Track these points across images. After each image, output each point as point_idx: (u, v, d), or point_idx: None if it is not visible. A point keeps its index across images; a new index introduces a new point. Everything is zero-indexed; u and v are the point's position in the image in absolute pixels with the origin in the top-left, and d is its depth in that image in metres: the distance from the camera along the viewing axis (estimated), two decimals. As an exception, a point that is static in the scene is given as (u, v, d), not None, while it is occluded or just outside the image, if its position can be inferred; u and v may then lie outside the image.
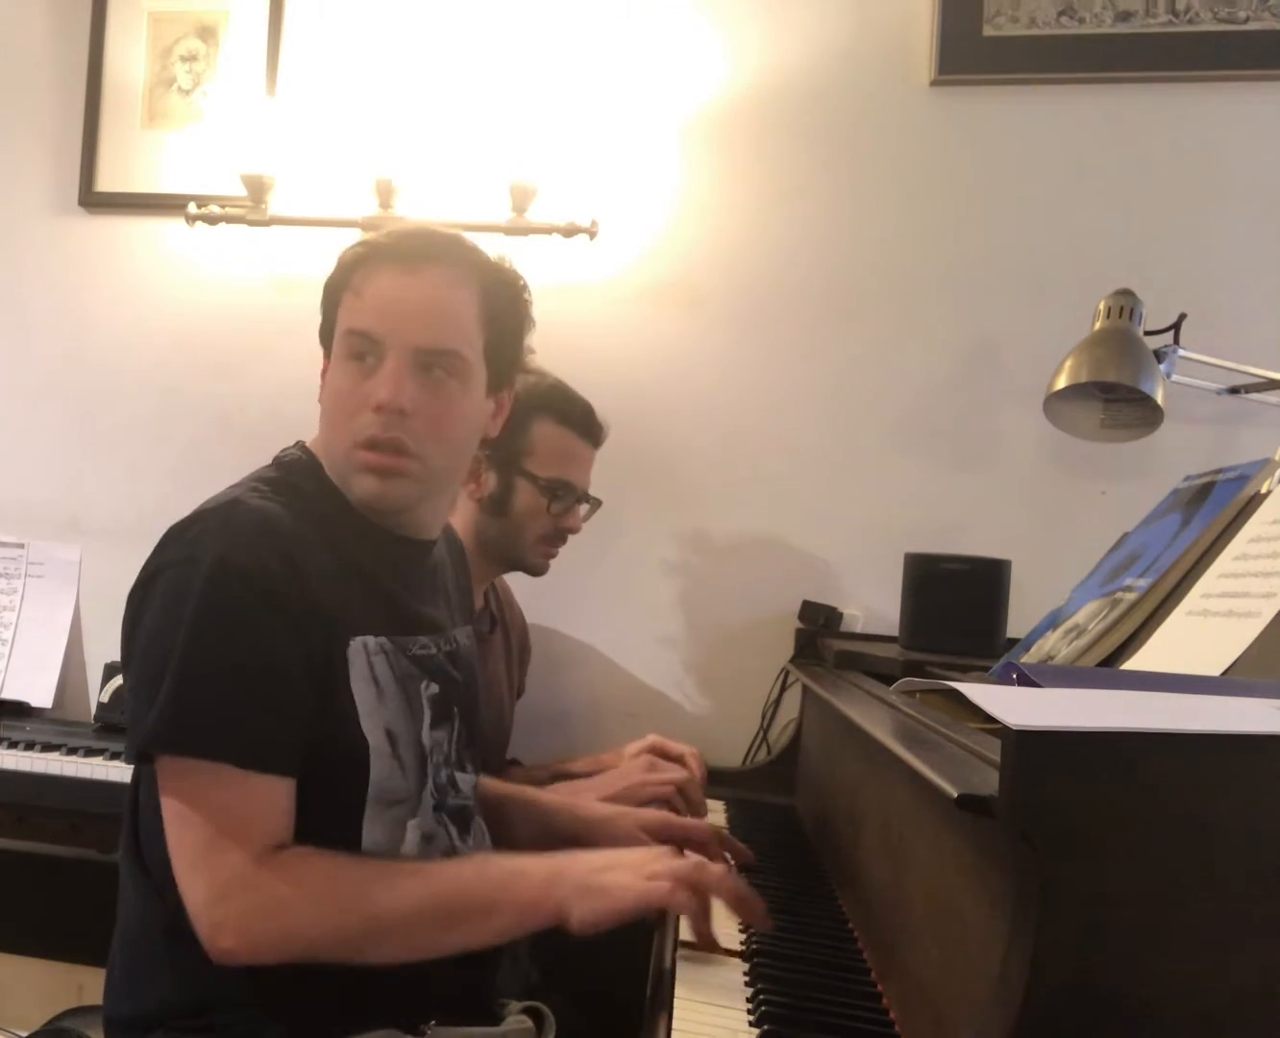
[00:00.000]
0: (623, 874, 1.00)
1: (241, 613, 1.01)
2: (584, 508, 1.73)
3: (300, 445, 1.20)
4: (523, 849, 1.07)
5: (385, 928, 0.99)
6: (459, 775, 1.18)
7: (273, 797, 1.01)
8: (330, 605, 1.05)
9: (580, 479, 1.69)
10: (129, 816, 1.12)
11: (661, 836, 1.32)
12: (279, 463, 1.18)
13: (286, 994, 1.01)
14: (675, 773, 1.56)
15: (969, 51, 2.02)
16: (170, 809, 1.01)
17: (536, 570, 1.71)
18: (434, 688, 1.15)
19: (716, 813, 1.70)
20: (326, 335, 1.17)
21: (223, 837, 0.98)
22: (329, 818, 1.04)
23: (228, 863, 0.97)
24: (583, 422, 1.68)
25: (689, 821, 1.38)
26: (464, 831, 1.18)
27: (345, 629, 1.06)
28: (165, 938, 1.05)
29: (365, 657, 1.07)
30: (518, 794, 1.37)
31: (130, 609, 1.08)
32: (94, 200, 2.31)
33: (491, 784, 1.33)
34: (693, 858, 1.03)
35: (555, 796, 1.41)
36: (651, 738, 1.65)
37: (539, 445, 1.63)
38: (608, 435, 1.74)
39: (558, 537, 1.69)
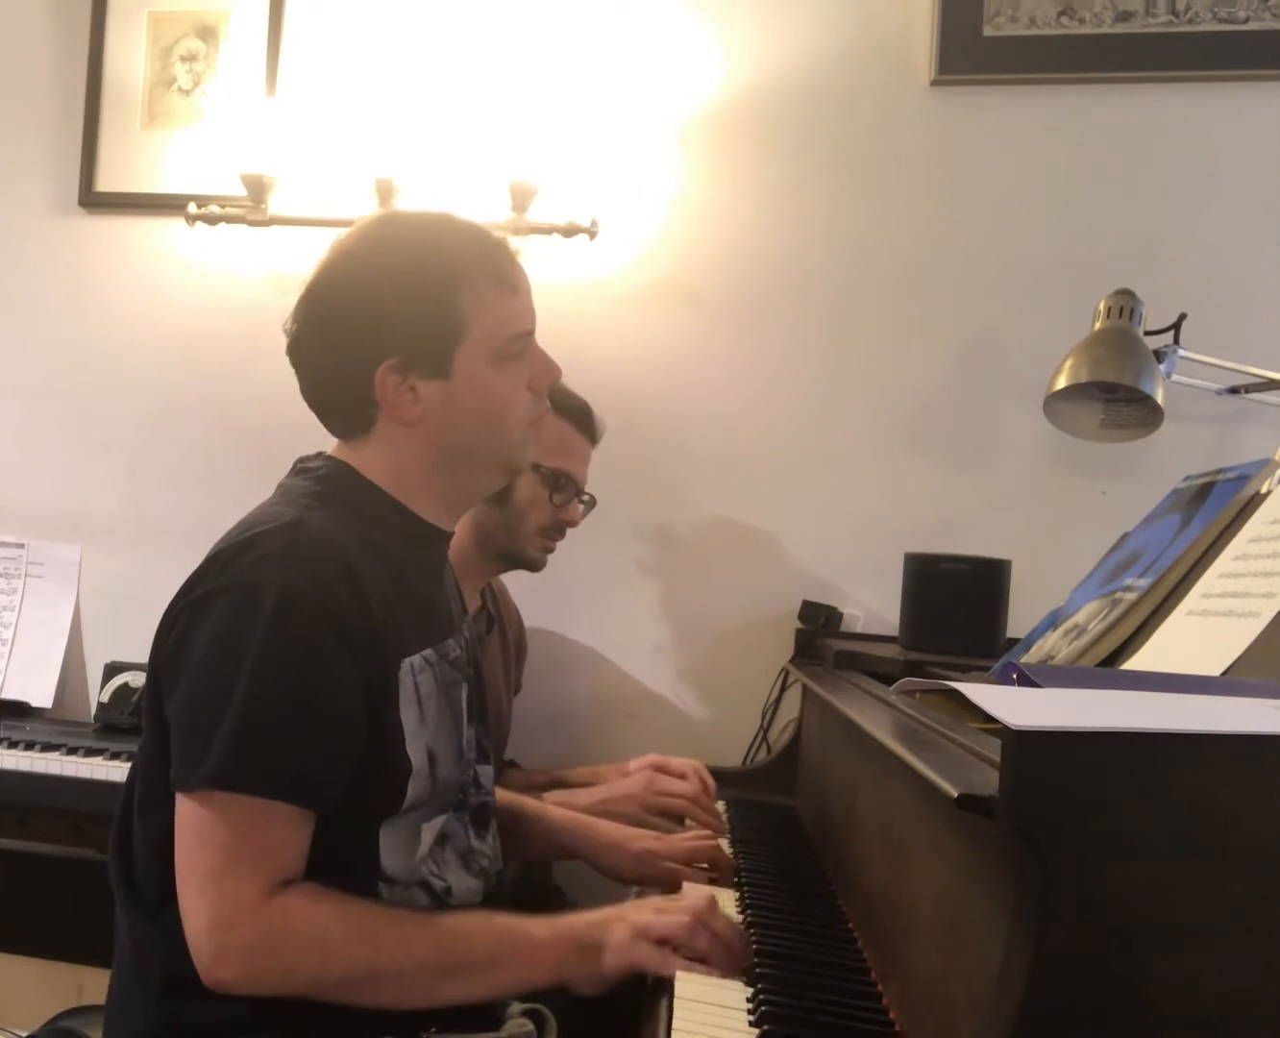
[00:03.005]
0: (621, 931, 1.02)
1: (309, 646, 0.98)
2: (581, 505, 1.74)
3: (324, 456, 1.16)
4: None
5: (388, 975, 0.98)
6: (481, 769, 1.19)
7: (297, 831, 0.99)
8: (386, 629, 1.04)
9: (580, 473, 1.71)
10: (117, 851, 1.09)
11: (666, 856, 1.32)
12: (315, 476, 1.13)
13: (284, 1007, 0.99)
14: (676, 787, 1.56)
15: (969, 51, 2.02)
16: (188, 825, 0.98)
17: (534, 564, 1.71)
18: (466, 689, 1.16)
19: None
20: (439, 351, 1.09)
21: (237, 865, 0.96)
22: (350, 831, 1.03)
23: (238, 893, 0.95)
24: (583, 417, 1.70)
25: (692, 844, 1.37)
26: (482, 829, 1.18)
27: (397, 652, 1.05)
28: (159, 988, 1.03)
29: (412, 678, 1.06)
30: (526, 806, 1.37)
31: (176, 627, 1.03)
32: (94, 200, 2.31)
33: (500, 795, 1.33)
34: (683, 918, 1.03)
35: (562, 811, 1.41)
36: (652, 757, 1.64)
37: (542, 436, 1.63)
38: (603, 434, 1.75)
39: (556, 529, 1.69)
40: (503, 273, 1.14)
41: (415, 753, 1.05)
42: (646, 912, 1.05)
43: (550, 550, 1.71)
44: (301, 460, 1.18)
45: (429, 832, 1.09)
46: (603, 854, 1.34)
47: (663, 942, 1.02)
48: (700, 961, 1.02)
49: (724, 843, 1.50)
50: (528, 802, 1.39)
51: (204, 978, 0.96)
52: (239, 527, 1.07)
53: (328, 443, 1.19)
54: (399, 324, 1.09)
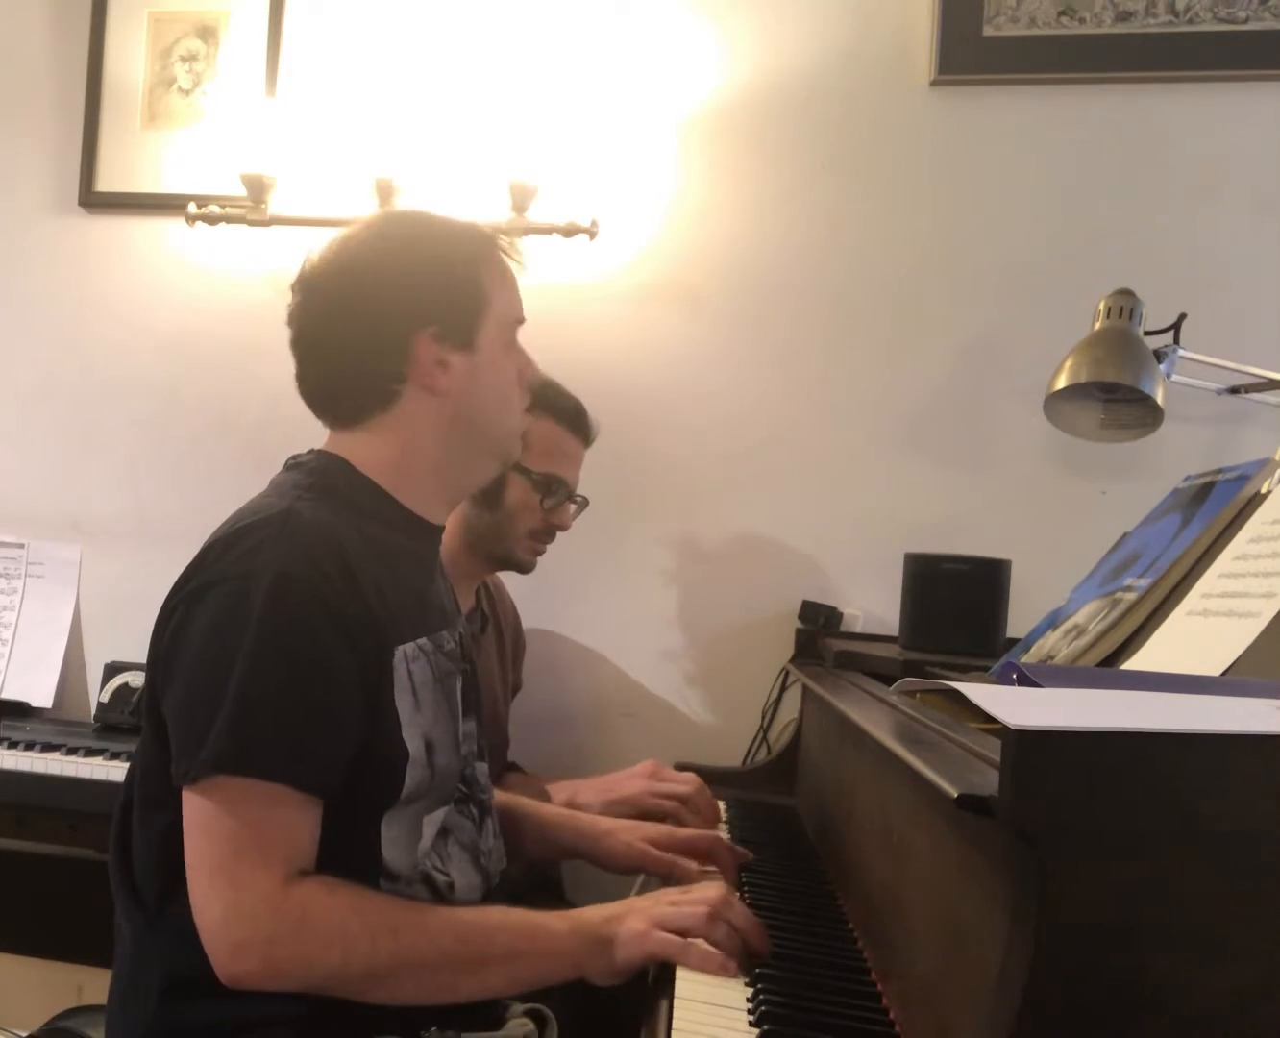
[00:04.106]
0: (636, 922, 1.02)
1: (305, 630, 0.98)
2: (573, 507, 1.74)
3: (315, 451, 1.17)
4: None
5: (410, 967, 0.98)
6: (478, 766, 1.19)
7: (304, 818, 0.99)
8: (380, 616, 1.04)
9: (571, 476, 1.70)
10: (117, 853, 1.09)
11: (664, 846, 1.32)
12: (306, 469, 1.13)
13: (287, 1006, 0.99)
14: (679, 786, 1.58)
15: (969, 51, 2.02)
16: (195, 819, 0.97)
17: (524, 567, 1.70)
18: (461, 682, 1.16)
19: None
20: (468, 325, 1.14)
21: (251, 853, 0.95)
22: (351, 821, 1.03)
23: (255, 883, 0.94)
24: (575, 418, 1.69)
25: (691, 832, 1.37)
26: (482, 825, 1.18)
27: (391, 639, 1.05)
28: (161, 990, 1.02)
29: (406, 666, 1.06)
30: (521, 806, 1.37)
31: (172, 621, 1.03)
32: (94, 200, 2.31)
33: (495, 795, 1.32)
34: (700, 909, 1.04)
35: (556, 809, 1.40)
36: (650, 763, 1.65)
37: (532, 439, 1.62)
38: (598, 434, 1.75)
39: (547, 533, 1.69)
40: (509, 255, 1.19)
41: (412, 741, 1.05)
42: (662, 905, 1.05)
43: (540, 553, 1.71)
44: (293, 458, 1.18)
45: (430, 825, 1.08)
46: (597, 844, 1.33)
47: (681, 934, 1.03)
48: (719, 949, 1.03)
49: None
50: (522, 801, 1.39)
51: (222, 974, 0.95)
52: (230, 520, 1.07)
53: (322, 442, 1.19)
54: (435, 294, 1.12)
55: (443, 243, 1.15)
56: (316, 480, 1.11)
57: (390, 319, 1.12)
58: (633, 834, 1.33)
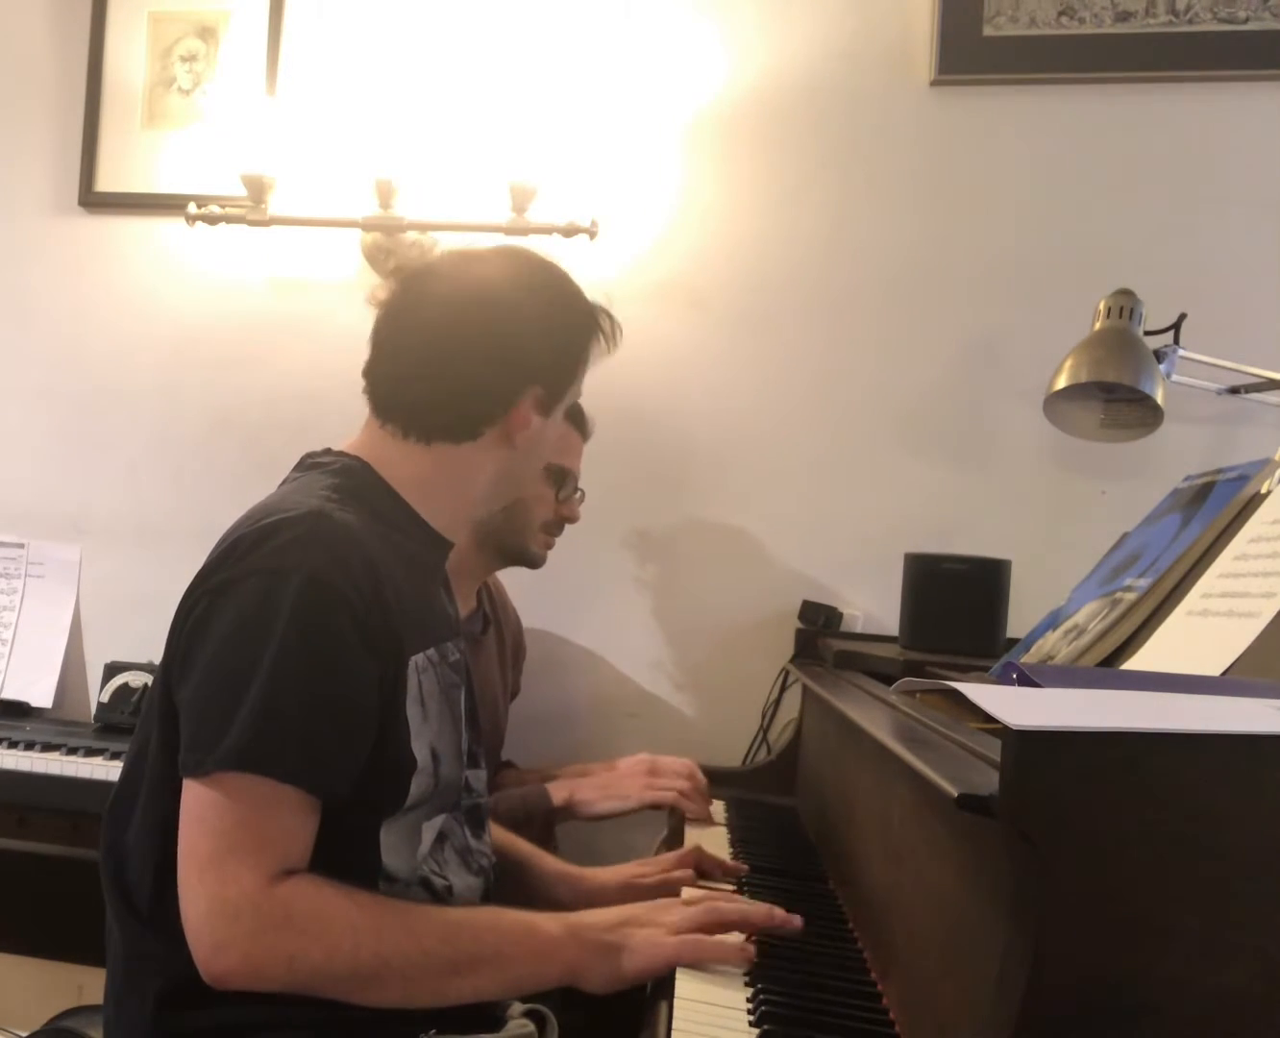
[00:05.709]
0: (646, 930, 1.03)
1: (332, 636, 0.98)
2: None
3: (336, 453, 1.16)
4: (518, 907, 1.08)
5: (394, 967, 0.96)
6: (471, 773, 1.19)
7: (304, 820, 0.98)
8: (399, 625, 1.03)
9: (577, 468, 1.73)
10: (108, 856, 1.08)
11: (654, 874, 1.31)
12: (332, 470, 1.12)
13: (287, 1009, 0.98)
14: (677, 780, 1.60)
15: (969, 51, 2.02)
16: (195, 811, 0.96)
17: (536, 561, 1.72)
18: (463, 691, 1.17)
19: (716, 813, 1.70)
20: (560, 395, 1.20)
21: (241, 850, 0.94)
22: (352, 826, 1.02)
23: (240, 878, 0.93)
24: (578, 414, 1.72)
25: (673, 854, 1.35)
26: (478, 828, 1.18)
27: (407, 650, 1.05)
28: (158, 999, 1.02)
29: (417, 676, 1.06)
30: (524, 855, 1.36)
31: (194, 613, 1.01)
32: (94, 200, 2.31)
33: (496, 835, 1.30)
34: (704, 904, 1.07)
35: (553, 862, 1.38)
36: (643, 756, 1.67)
37: None
38: (593, 431, 1.76)
39: (558, 525, 1.72)
40: (610, 339, 1.24)
41: (420, 751, 1.05)
42: (668, 912, 1.06)
43: (550, 546, 1.73)
44: (310, 456, 1.18)
45: (429, 831, 1.08)
46: (595, 900, 1.30)
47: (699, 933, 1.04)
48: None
49: (723, 844, 1.50)
50: (523, 849, 1.37)
51: (204, 972, 0.94)
52: (256, 513, 1.06)
53: (323, 443, 1.19)
54: (555, 358, 1.18)
55: (575, 312, 1.20)
56: (343, 482, 1.10)
57: (513, 366, 1.15)
58: (619, 879, 1.32)
